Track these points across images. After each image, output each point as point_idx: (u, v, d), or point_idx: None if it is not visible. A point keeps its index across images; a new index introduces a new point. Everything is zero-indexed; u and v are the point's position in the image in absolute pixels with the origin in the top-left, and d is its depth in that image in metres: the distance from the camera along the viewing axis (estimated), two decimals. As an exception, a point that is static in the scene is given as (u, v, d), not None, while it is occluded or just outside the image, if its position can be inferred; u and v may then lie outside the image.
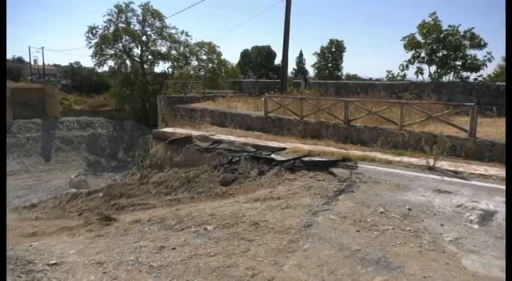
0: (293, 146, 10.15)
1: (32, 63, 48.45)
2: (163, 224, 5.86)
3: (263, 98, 14.92)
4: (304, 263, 3.79)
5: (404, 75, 20.10)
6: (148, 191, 10.44)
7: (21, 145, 30.96)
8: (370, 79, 37.32)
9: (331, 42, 41.04)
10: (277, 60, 52.47)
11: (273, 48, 51.59)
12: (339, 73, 41.94)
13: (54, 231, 8.31)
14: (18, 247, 5.47)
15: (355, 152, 9.43)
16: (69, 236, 6.70)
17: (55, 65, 56.78)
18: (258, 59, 52.20)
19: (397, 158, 8.85)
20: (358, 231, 4.68)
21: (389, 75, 20.61)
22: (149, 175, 11.85)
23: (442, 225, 4.95)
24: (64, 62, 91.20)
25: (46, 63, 49.59)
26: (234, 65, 43.90)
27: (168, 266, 3.79)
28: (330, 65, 41.28)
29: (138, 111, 37.84)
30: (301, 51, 53.04)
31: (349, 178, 7.38)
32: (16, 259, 4.50)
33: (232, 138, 11.49)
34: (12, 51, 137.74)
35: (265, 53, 52.16)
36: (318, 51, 40.84)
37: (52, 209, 13.01)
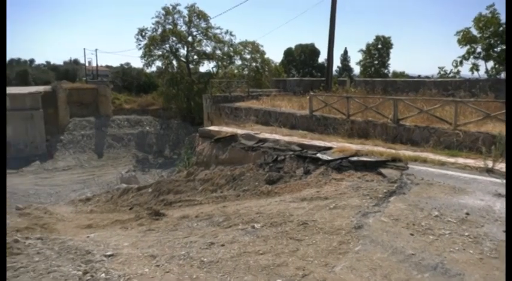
0: (339, 145, 9.96)
1: (87, 64, 51.27)
2: (211, 220, 5.96)
3: (308, 97, 14.77)
4: (356, 265, 3.70)
5: (458, 71, 19.13)
6: (195, 188, 10.70)
7: (76, 141, 32.85)
8: (419, 76, 35.84)
9: (378, 38, 39.87)
10: (321, 58, 51.85)
11: (317, 46, 51.05)
12: (385, 71, 40.66)
13: (107, 224, 8.71)
14: (76, 238, 5.79)
15: (405, 152, 9.07)
16: (122, 229, 7.00)
17: (107, 66, 59.77)
18: (302, 58, 51.85)
19: (451, 160, 8.40)
20: (412, 235, 4.49)
21: (441, 72, 19.66)
22: (195, 172, 12.12)
23: (504, 232, 4.63)
24: (115, 63, 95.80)
25: (99, 64, 52.29)
26: (278, 64, 43.86)
27: (218, 262, 3.84)
28: (376, 62, 40.14)
29: (184, 110, 38.87)
30: (345, 48, 52.09)
31: (399, 179, 7.12)
32: (76, 249, 4.76)
33: (277, 137, 11.48)
34: (69, 54, 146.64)
35: (309, 51, 51.70)
36: (364, 48, 39.85)
37: (105, 203, 13.70)
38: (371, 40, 39.60)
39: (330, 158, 8.95)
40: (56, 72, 56.58)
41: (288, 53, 52.10)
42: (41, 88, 36.22)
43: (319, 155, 9.31)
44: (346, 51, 52.02)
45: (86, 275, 3.79)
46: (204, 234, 5.13)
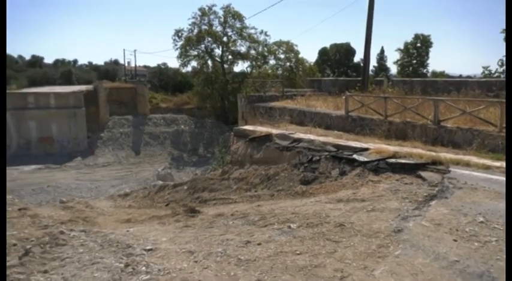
0: (376, 146, 9.74)
1: (126, 65, 52.96)
2: (247, 219, 5.99)
3: (344, 97, 14.54)
4: (396, 270, 3.60)
5: (504, 71, 18.14)
6: (229, 186, 10.80)
7: (115, 138, 34.07)
8: (460, 76, 34.39)
9: (417, 37, 38.60)
10: (357, 58, 50.83)
11: (353, 45, 50.08)
12: (424, 70, 39.30)
13: (145, 219, 8.96)
14: (117, 231, 6.00)
15: (446, 155, 8.74)
16: (159, 225, 7.18)
17: (145, 66, 61.52)
18: (337, 57, 51.08)
19: (497, 163, 7.99)
20: (455, 241, 4.32)
21: (486, 72, 18.74)
22: (230, 171, 12.24)
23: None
24: (153, 63, 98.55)
25: (137, 64, 53.93)
26: (312, 64, 43.47)
27: (255, 261, 3.86)
28: (414, 61, 38.88)
29: (218, 109, 39.35)
30: (382, 47, 50.80)
31: (440, 182, 6.87)
32: (117, 242, 4.93)
33: (312, 137, 11.39)
34: (109, 55, 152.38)
35: (344, 51, 50.85)
36: (401, 47, 38.71)
37: (142, 198, 14.11)
38: (409, 38, 38.37)
39: (366, 159, 8.77)
40: (97, 72, 58.89)
41: (323, 52, 51.48)
42: (83, 87, 37.86)
43: (355, 156, 9.15)
44: (382, 51, 50.70)
45: (127, 267, 3.92)
46: (240, 232, 5.17)
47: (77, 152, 31.49)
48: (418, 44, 37.80)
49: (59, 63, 73.34)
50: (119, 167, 30.00)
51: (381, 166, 8.28)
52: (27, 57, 74.12)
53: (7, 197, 12.82)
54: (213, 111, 39.64)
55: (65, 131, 32.07)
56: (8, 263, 4.27)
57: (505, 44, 15.48)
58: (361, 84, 20.90)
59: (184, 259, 4.15)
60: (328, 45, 52.07)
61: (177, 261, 4.07)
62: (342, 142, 10.62)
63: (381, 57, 50.99)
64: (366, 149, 9.51)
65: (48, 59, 76.06)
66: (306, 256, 3.93)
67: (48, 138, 31.52)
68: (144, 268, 3.84)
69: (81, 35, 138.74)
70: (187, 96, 42.03)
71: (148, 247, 4.64)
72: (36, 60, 71.78)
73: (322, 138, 11.05)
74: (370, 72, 37.28)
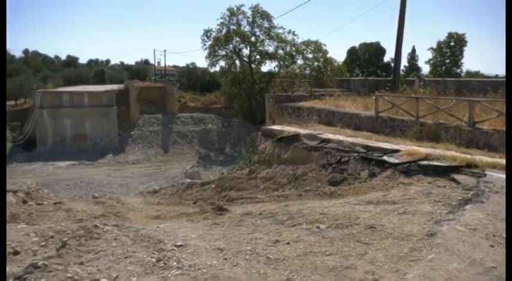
0: (407, 148, 9.52)
1: (156, 65, 54.09)
2: (275, 218, 6.00)
3: (373, 97, 14.29)
4: (430, 274, 3.52)
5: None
6: (257, 185, 10.84)
7: (145, 137, 34.90)
8: (496, 76, 33.02)
9: (450, 35, 37.44)
10: (387, 57, 49.82)
11: (383, 44, 49.09)
12: (458, 70, 38.06)
13: (174, 216, 9.12)
14: (148, 227, 6.14)
15: (481, 158, 8.43)
16: (188, 222, 7.29)
17: (174, 66, 62.58)
18: (366, 56, 50.24)
19: (537, 168, 7.64)
20: (492, 246, 4.17)
21: (525, 72, 17.88)
22: (257, 170, 12.28)
23: None
24: (182, 63, 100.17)
25: (167, 64, 54.93)
26: (340, 63, 42.94)
27: (284, 260, 3.86)
28: (447, 61, 37.74)
29: (245, 109, 39.54)
30: (413, 46, 49.41)
31: (475, 186, 6.64)
32: (148, 237, 5.05)
33: (340, 137, 11.26)
34: (140, 55, 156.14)
35: (374, 50, 49.94)
36: (434, 46, 37.64)
37: (170, 196, 14.37)
38: (442, 37, 37.24)
39: (397, 161, 8.60)
40: (128, 72, 60.47)
41: (352, 52, 50.75)
42: (115, 87, 39.00)
43: (385, 157, 8.98)
44: (414, 50, 49.45)
45: (159, 262, 4.01)
46: (268, 231, 5.18)
47: (108, 149, 32.51)
48: (452, 43, 36.67)
49: (92, 63, 75.86)
50: (148, 164, 30.71)
51: (413, 168, 8.09)
52: (63, 57, 77.20)
53: (44, 191, 13.40)
54: (240, 110, 39.87)
55: (97, 128, 33.18)
56: (46, 255, 4.47)
57: None
58: (391, 85, 20.47)
59: (214, 255, 4.20)
60: (357, 45, 51.33)
61: (207, 258, 4.13)
62: (371, 143, 10.44)
63: (412, 56, 49.76)
64: (397, 151, 9.31)
65: (83, 59, 78.86)
66: (336, 257, 3.90)
67: (81, 135, 32.71)
68: (175, 263, 3.92)
69: (114, 36, 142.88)
70: (215, 96, 42.49)
71: (178, 243, 4.72)
72: (72, 61, 74.60)
73: (351, 139, 10.91)
74: (401, 72, 36.49)
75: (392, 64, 25.48)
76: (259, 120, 34.57)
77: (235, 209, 8.17)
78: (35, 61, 62.06)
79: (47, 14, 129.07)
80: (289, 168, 10.62)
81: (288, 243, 4.43)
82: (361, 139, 11.01)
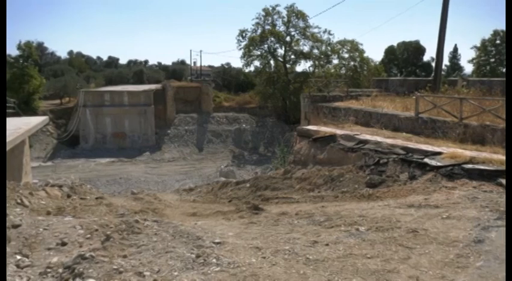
0: (450, 150, 9.14)
1: (192, 65, 55.08)
2: (312, 219, 5.94)
3: (414, 97, 13.85)
4: (478, 282, 3.36)
5: None
6: (292, 186, 10.79)
7: (180, 135, 35.68)
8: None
9: (496, 33, 35.64)
10: (427, 57, 48.18)
11: (422, 43, 47.49)
12: (504, 69, 36.14)
13: (210, 214, 9.25)
14: (186, 224, 6.26)
15: (532, 162, 7.94)
16: (224, 220, 7.37)
17: (209, 66, 63.49)
18: (405, 56, 48.83)
19: None
20: (546, 256, 3.92)
21: None
22: (292, 170, 12.22)
23: None
24: (217, 63, 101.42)
25: (202, 64, 55.81)
26: (377, 63, 41.97)
27: (324, 261, 3.82)
28: (492, 60, 35.94)
29: (279, 108, 39.51)
30: (455, 45, 47.55)
31: (526, 191, 6.26)
32: (187, 234, 5.14)
33: (378, 138, 10.99)
34: (177, 55, 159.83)
35: (413, 49, 48.45)
36: (478, 45, 35.98)
37: (206, 194, 14.59)
38: (487, 35, 35.51)
39: (439, 163, 8.27)
40: (165, 72, 62.02)
41: (390, 51, 49.46)
42: (152, 86, 40.15)
43: (426, 160, 8.67)
44: (456, 48, 47.56)
45: (198, 258, 4.07)
46: (306, 232, 5.14)
47: (146, 147, 33.52)
48: (498, 41, 34.87)
49: (132, 63, 78.42)
50: (183, 162, 31.36)
51: (456, 172, 7.76)
52: (105, 58, 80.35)
53: (86, 186, 13.99)
54: (274, 110, 39.90)
55: (135, 127, 34.30)
56: (91, 247, 4.66)
57: None
58: (432, 84, 19.72)
59: (252, 254, 4.22)
60: (395, 44, 49.97)
61: (245, 256, 4.15)
62: (411, 144, 10.11)
63: (454, 55, 47.86)
64: (439, 153, 8.96)
65: (123, 60, 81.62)
66: (378, 260, 3.81)
67: (121, 133, 33.94)
68: (214, 260, 3.96)
69: (152, 37, 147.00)
70: (250, 96, 42.77)
71: (216, 240, 4.78)
72: (112, 61, 77.59)
73: (389, 141, 10.62)
74: (442, 72, 35.15)
75: (433, 63, 24.60)
76: (293, 120, 34.45)
77: (271, 209, 8.17)
78: (78, 62, 65.01)
79: (90, 17, 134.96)
80: (325, 169, 10.49)
81: (327, 244, 4.37)
82: (400, 141, 10.70)
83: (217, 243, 4.68)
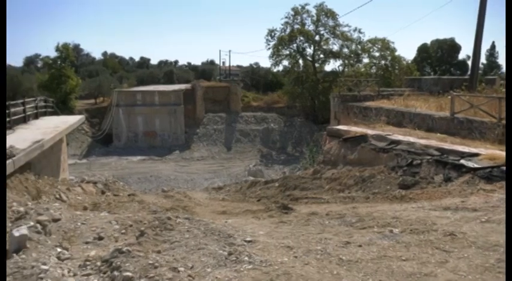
0: (489, 152, 8.79)
1: (221, 65, 55.65)
2: (343, 220, 5.87)
3: (449, 97, 13.39)
4: (522, 289, 3.21)
5: None
6: (321, 186, 10.70)
7: (209, 134, 36.10)
8: None
9: (539, 30, 33.79)
10: (462, 55, 46.46)
11: (457, 40, 45.83)
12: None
13: (239, 212, 9.30)
14: (217, 222, 6.33)
15: None
16: (254, 219, 7.40)
17: (238, 66, 63.86)
18: (438, 54, 47.30)
19: None
20: None
21: None
22: (322, 170, 12.12)
23: None
24: (245, 63, 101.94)
25: (231, 64, 56.24)
26: (410, 61, 40.84)
27: (357, 262, 3.76)
28: (534, 58, 34.10)
29: (308, 108, 39.22)
30: (493, 42, 45.57)
31: None
32: (219, 231, 5.20)
33: (411, 139, 10.70)
34: (206, 55, 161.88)
35: (447, 47, 46.86)
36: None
37: (234, 192, 14.70)
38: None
39: (476, 165, 7.97)
40: (195, 72, 62.94)
41: (423, 49, 48.02)
42: (182, 86, 40.83)
43: (462, 161, 8.37)
44: (493, 46, 45.64)
45: (231, 255, 4.11)
46: (338, 233, 5.08)
47: (175, 146, 34.16)
48: (540, 38, 33.10)
49: (162, 64, 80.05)
50: (212, 161, 31.71)
51: (495, 174, 7.46)
52: (137, 58, 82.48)
53: (119, 183, 14.36)
54: (302, 110, 39.65)
55: (166, 126, 35.01)
56: (127, 241, 4.81)
57: None
58: (468, 83, 18.99)
59: (284, 253, 4.21)
60: (428, 42, 48.48)
61: (277, 254, 4.15)
62: (446, 145, 9.79)
63: (491, 53, 45.98)
64: (476, 155, 8.63)
65: (154, 60, 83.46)
66: (413, 263, 3.71)
67: (152, 132, 34.74)
68: (246, 257, 3.98)
69: (182, 38, 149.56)
70: (278, 95, 42.69)
71: (247, 239, 4.80)
72: (144, 62, 79.52)
73: (423, 141, 10.33)
74: (479, 71, 33.76)
75: (469, 62, 23.70)
76: (321, 120, 34.12)
77: (300, 209, 8.13)
78: (112, 63, 67.06)
79: (123, 18, 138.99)
80: (355, 169, 10.34)
81: (360, 245, 4.30)
82: (434, 141, 10.38)
83: (249, 241, 4.70)
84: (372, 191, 8.71)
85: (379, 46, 38.13)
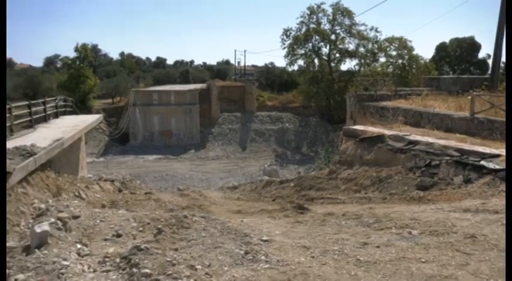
0: (510, 153, 8.56)
1: (236, 64, 55.77)
2: (360, 221, 5.82)
3: (468, 97, 13.12)
4: (547, 294, 3.12)
5: None
6: (337, 186, 10.62)
7: (224, 134, 36.23)
8: None
9: None
10: (482, 53, 45.44)
11: (477, 39, 44.82)
12: None
13: (255, 212, 9.28)
14: (233, 221, 6.35)
15: None
16: (270, 218, 7.39)
17: (253, 66, 63.92)
18: (457, 53, 46.34)
19: None
20: None
21: None
22: (338, 170, 12.01)
23: None
24: (261, 62, 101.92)
25: (247, 64, 56.30)
26: (428, 61, 40.11)
27: (376, 263, 3.73)
28: (558, 56, 33.10)
29: (323, 108, 38.94)
30: (515, 41, 44.19)
31: None
32: (235, 230, 5.21)
33: (430, 139, 10.51)
34: (221, 55, 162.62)
35: (467, 45, 45.87)
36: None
37: (249, 192, 14.69)
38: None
39: (498, 167, 7.78)
40: (210, 72, 63.26)
41: (441, 48, 47.12)
42: (198, 86, 41.10)
43: (483, 162, 8.19)
44: (515, 44, 44.30)
45: (247, 255, 4.12)
46: (355, 233, 5.04)
47: (191, 145, 34.39)
48: None
49: (178, 64, 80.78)
50: (227, 161, 31.81)
51: (517, 175, 7.26)
52: (153, 59, 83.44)
53: (136, 181, 14.52)
54: (317, 110, 39.39)
55: (181, 125, 35.29)
56: (145, 239, 4.86)
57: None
58: (489, 83, 18.57)
59: (300, 253, 4.20)
60: (447, 40, 47.55)
61: (294, 254, 4.14)
62: (466, 146, 9.58)
63: (513, 52, 44.61)
64: (497, 156, 8.42)
65: (170, 60, 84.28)
66: (433, 265, 3.65)
67: (167, 131, 35.08)
68: (263, 257, 3.99)
69: (197, 38, 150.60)
70: (293, 95, 42.52)
71: (264, 238, 4.80)
72: (160, 62, 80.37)
73: (442, 142, 10.13)
74: (500, 70, 32.92)
75: (489, 61, 23.15)
76: (337, 120, 33.82)
77: (316, 209, 8.08)
78: (129, 63, 68.01)
79: (139, 19, 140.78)
80: (372, 170, 10.21)
81: (378, 246, 4.26)
82: (453, 142, 10.17)
83: (265, 241, 4.71)
84: (389, 192, 8.60)
85: (396, 45, 37.54)
